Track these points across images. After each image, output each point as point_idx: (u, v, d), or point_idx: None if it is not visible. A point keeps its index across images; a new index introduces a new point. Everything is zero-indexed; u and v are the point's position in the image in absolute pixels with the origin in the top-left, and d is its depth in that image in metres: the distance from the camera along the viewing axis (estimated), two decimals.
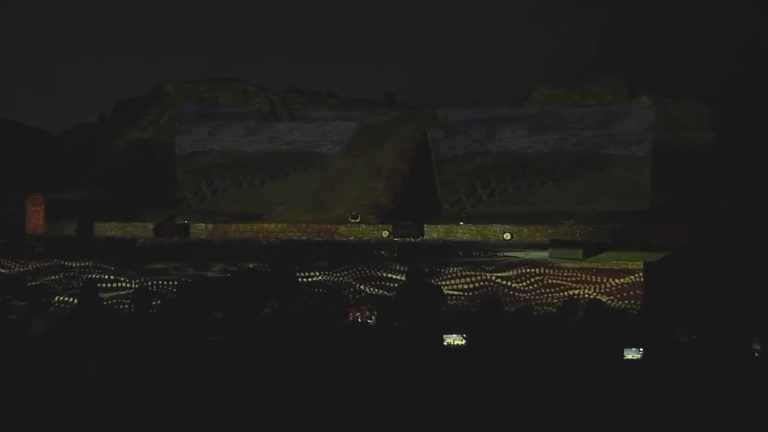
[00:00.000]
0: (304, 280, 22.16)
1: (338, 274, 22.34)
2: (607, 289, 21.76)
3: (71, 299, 19.98)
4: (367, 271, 22.25)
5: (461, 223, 33.81)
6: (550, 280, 21.89)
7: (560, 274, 21.92)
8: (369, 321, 16.07)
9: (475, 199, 38.86)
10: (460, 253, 25.63)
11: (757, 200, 33.44)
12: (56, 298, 20.09)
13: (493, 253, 25.60)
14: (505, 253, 25.80)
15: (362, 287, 21.92)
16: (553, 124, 40.12)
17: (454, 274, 21.78)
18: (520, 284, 21.85)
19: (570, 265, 22.64)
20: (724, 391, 7.82)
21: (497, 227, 32.21)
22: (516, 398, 7.97)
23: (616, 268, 22.18)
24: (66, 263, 23.59)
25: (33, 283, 22.17)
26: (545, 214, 36.41)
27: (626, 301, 21.27)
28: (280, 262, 24.41)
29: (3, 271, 23.86)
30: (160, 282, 22.07)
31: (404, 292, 14.89)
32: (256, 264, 24.36)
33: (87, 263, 23.41)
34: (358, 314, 16.54)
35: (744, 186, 34.69)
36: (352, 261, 22.86)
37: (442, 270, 21.82)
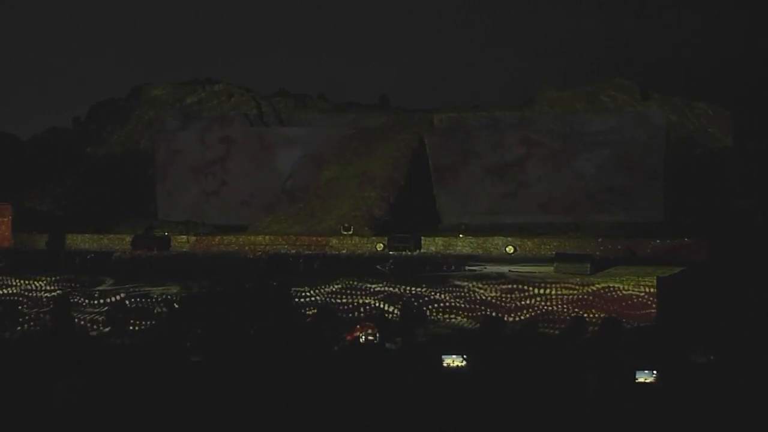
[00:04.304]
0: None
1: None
2: (617, 307, 21.74)
3: (41, 317, 19.92)
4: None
5: (461, 235, 33.75)
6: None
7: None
8: (372, 339, 16.19)
9: (476, 211, 38.80)
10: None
11: None
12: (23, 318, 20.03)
13: None
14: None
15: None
16: (559, 130, 40.09)
17: None
18: None
19: (577, 280, 22.66)
20: (746, 418, 7.79)
21: (499, 240, 32.12)
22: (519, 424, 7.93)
23: (626, 283, 22.18)
24: (32, 280, 23.49)
25: None
26: (550, 225, 36.37)
27: (637, 320, 21.25)
28: (270, 278, 24.45)
29: None
30: (138, 299, 22.02)
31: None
32: (243, 279, 24.36)
33: (57, 278, 23.31)
34: (361, 332, 16.67)
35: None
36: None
37: None
